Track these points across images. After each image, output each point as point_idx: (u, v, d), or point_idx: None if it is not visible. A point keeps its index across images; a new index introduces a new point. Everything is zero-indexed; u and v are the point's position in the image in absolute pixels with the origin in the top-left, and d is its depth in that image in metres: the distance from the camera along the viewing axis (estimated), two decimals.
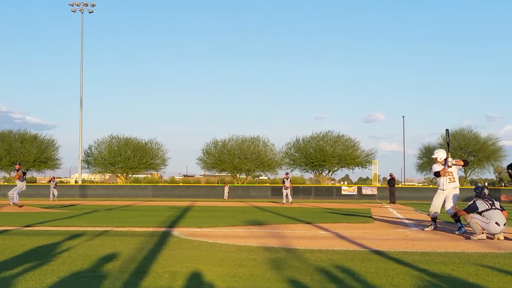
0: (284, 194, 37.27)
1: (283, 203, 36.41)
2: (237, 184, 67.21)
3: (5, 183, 73.94)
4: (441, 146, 73.71)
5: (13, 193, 25.80)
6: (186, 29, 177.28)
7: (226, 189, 54.12)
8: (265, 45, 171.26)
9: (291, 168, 76.01)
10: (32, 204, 30.31)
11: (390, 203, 38.63)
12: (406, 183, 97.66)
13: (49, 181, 48.97)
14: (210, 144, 75.54)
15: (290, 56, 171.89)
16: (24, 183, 26.65)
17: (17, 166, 27.59)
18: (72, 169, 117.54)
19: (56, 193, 46.44)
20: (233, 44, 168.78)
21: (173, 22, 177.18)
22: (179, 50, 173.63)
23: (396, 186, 41.90)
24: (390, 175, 41.84)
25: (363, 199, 52.55)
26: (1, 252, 9.18)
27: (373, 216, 21.30)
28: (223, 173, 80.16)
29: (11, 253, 9.12)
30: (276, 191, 57.30)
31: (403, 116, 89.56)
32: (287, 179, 37.97)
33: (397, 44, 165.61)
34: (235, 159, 72.28)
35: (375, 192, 54.97)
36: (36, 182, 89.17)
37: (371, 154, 73.72)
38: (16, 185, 26.46)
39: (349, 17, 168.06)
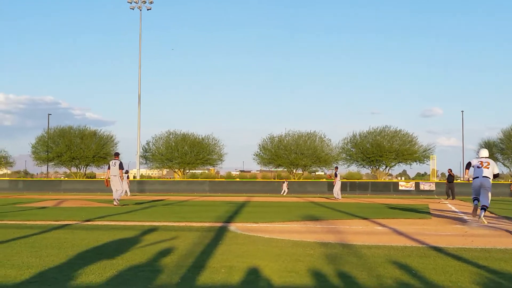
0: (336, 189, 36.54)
1: (338, 198, 36.01)
2: (293, 180, 67.15)
3: (66, 179, 75.42)
4: (500, 142, 72.44)
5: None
6: (243, 24, 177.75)
7: (285, 186, 53.88)
8: (320, 41, 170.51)
9: (348, 164, 75.68)
10: (89, 199, 30.81)
11: (447, 198, 38.12)
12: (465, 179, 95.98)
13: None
14: (266, 140, 75.70)
15: (346, 52, 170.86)
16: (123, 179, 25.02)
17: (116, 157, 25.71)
18: (130, 165, 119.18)
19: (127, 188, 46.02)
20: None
21: (230, 17, 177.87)
22: (236, 46, 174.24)
23: (454, 182, 41.20)
24: (448, 171, 41.26)
25: (421, 194, 51.87)
26: (61, 246, 9.36)
27: (431, 212, 21.04)
28: (280, 169, 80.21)
29: (71, 247, 9.29)
30: (333, 187, 57.14)
31: (462, 111, 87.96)
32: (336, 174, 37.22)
33: (455, 38, 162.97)
34: (291, 155, 72.25)
35: (433, 187, 54.19)
36: (95, 178, 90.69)
37: (429, 149, 72.83)
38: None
39: (404, 14, 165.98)
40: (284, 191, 53.06)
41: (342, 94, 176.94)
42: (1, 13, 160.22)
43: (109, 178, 24.58)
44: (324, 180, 74.02)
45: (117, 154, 25.81)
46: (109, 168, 24.84)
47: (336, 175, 36.62)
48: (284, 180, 59.27)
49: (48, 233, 11.69)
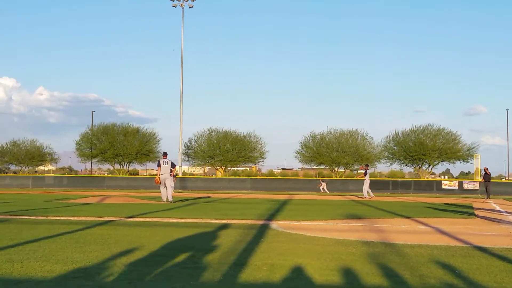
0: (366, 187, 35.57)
1: (366, 197, 35.20)
2: (335, 178, 66.89)
3: (109, 175, 76.25)
4: None
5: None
6: (283, 23, 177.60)
7: (324, 185, 53.73)
8: (363, 40, 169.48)
9: (390, 162, 75.12)
10: (133, 196, 31.12)
11: (487, 198, 37.52)
12: (510, 178, 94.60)
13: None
14: (308, 138, 75.51)
15: (389, 50, 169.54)
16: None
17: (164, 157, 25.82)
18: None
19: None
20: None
21: (270, 15, 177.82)
22: (277, 44, 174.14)
23: (491, 180, 40.53)
24: (484, 169, 40.69)
25: (464, 193, 51.24)
26: (105, 242, 9.47)
27: (475, 212, 20.79)
28: (321, 167, 79.91)
29: (115, 243, 9.39)
30: (375, 185, 56.75)
31: (507, 109, 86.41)
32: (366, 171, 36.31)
33: (498, 37, 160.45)
34: (333, 153, 71.94)
35: (477, 186, 53.46)
36: (138, 174, 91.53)
37: (473, 148, 71.83)
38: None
39: (448, 12, 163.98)
40: (323, 189, 52.88)
41: (385, 92, 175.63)
42: (46, 10, 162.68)
43: (159, 176, 24.88)
44: None
45: (165, 154, 26.02)
46: (159, 166, 25.01)
47: (366, 174, 35.94)
48: (320, 179, 58.94)
49: (92, 229, 11.83)
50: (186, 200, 28.02)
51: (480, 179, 51.30)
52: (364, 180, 35.63)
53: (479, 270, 7.05)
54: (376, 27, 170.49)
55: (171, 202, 24.29)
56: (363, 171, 37.09)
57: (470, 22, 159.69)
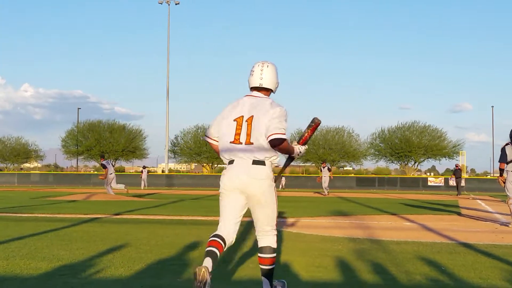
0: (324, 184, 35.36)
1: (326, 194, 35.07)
2: (321, 175, 67.00)
3: (95, 172, 76.04)
4: None
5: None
6: (269, 21, 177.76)
7: (283, 180, 53.99)
8: (348, 37, 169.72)
9: (376, 159, 75.42)
10: (118, 193, 31.09)
11: (458, 195, 37.57)
12: (495, 175, 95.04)
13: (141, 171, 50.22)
14: (294, 134, 75.47)
15: (374, 47, 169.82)
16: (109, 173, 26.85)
17: (101, 159, 28.41)
18: (159, 159, 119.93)
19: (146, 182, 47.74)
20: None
21: (257, 13, 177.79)
22: (263, 41, 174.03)
23: (462, 177, 40.73)
24: (456, 166, 40.85)
25: (450, 190, 51.45)
26: (91, 239, 9.45)
27: (461, 208, 20.90)
28: (308, 164, 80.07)
29: (101, 240, 9.37)
30: (361, 182, 56.86)
31: (492, 106, 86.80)
32: (324, 168, 36.09)
33: (484, 33, 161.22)
34: (319, 150, 72.13)
35: (462, 183, 53.72)
36: (124, 172, 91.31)
37: (458, 145, 72.31)
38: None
39: (433, 10, 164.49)
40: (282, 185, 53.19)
41: (371, 89, 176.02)
42: (31, 7, 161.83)
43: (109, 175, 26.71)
44: (353, 175, 73.80)
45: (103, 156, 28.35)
46: (106, 167, 26.87)
47: (329, 170, 36.04)
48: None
49: (78, 226, 11.81)
50: (140, 196, 27.97)
51: (466, 175, 51.57)
52: (325, 176, 35.51)
53: (464, 267, 7.08)
54: (362, 25, 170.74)
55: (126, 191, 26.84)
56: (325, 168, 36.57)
57: (455, 20, 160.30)
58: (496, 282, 6.17)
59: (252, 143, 4.99)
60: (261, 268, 5.33)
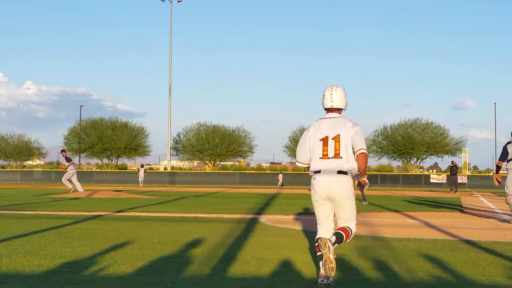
0: None
1: None
2: None
3: (98, 170, 76.11)
4: None
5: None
6: (271, 20, 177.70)
7: (280, 177, 54.14)
8: (349, 36, 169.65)
9: (378, 156, 75.38)
10: (123, 190, 31.12)
11: (450, 191, 37.47)
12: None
13: (139, 169, 50.57)
14: (297, 132, 75.58)
15: (377, 44, 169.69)
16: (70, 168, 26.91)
17: (63, 154, 28.50)
18: (161, 156, 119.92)
19: (142, 179, 48.05)
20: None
21: (258, 13, 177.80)
22: (265, 40, 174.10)
23: (464, 174, 40.61)
24: (452, 163, 40.80)
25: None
26: (93, 237, 9.46)
27: (463, 205, 20.88)
28: None
29: (104, 237, 9.39)
30: None
31: (495, 103, 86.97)
32: None
33: (487, 32, 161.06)
34: None
35: (465, 180, 53.68)
36: (127, 169, 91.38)
37: (460, 141, 72.20)
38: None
39: (436, 8, 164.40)
40: (280, 182, 53.30)
41: (374, 86, 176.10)
42: (33, 5, 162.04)
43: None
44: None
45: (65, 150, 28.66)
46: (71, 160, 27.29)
47: None
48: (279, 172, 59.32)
49: (80, 224, 11.82)
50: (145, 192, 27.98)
51: (469, 172, 51.51)
52: None
53: (467, 264, 7.08)
54: (365, 23, 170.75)
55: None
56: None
57: (459, 19, 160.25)
58: (499, 279, 6.17)
59: (338, 157, 6.03)
60: (337, 232, 6.16)
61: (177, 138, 76.82)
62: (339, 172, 6.07)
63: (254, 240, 9.22)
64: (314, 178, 6.21)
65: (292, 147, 74.67)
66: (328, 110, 6.31)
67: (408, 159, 73.59)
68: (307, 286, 5.77)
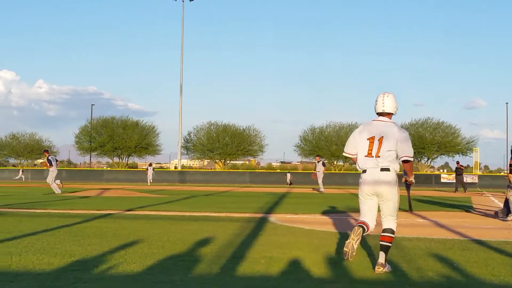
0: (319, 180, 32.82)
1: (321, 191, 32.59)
2: (334, 171, 66.91)
3: (108, 168, 76.27)
4: None
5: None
6: (283, 20, 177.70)
7: (289, 176, 54.27)
8: (361, 36, 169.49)
9: None
10: (132, 189, 31.21)
11: (455, 191, 37.27)
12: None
13: (147, 168, 51.02)
14: (307, 131, 75.65)
15: (389, 44, 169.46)
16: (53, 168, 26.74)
17: (46, 154, 28.32)
18: (172, 155, 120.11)
19: (151, 178, 48.61)
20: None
21: (271, 11, 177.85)
22: (277, 40, 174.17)
23: (463, 174, 40.34)
24: (457, 163, 40.63)
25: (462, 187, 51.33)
26: (103, 235, 9.49)
27: (474, 205, 20.81)
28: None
29: (113, 236, 9.42)
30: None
31: (507, 103, 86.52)
32: (318, 162, 33.87)
33: (497, 31, 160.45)
34: (332, 146, 71.99)
35: (475, 180, 53.44)
36: (137, 168, 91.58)
37: (472, 141, 71.91)
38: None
39: (447, 8, 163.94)
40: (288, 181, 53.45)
41: (385, 85, 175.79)
42: (45, 3, 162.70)
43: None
44: None
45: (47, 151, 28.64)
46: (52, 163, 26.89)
47: (318, 164, 33.45)
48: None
49: (90, 222, 11.86)
50: (72, 191, 28.01)
51: (479, 172, 51.31)
52: (319, 172, 33.05)
53: (476, 263, 7.06)
54: (376, 22, 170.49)
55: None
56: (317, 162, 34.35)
57: (470, 18, 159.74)
58: (509, 279, 6.16)
59: (380, 156, 6.64)
60: (381, 244, 6.66)
61: (188, 137, 76.97)
62: (382, 169, 6.68)
63: (264, 239, 9.23)
64: (361, 176, 6.89)
65: (302, 146, 74.69)
66: (380, 114, 6.94)
67: (419, 159, 73.38)
68: (317, 285, 5.77)
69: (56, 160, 27.87)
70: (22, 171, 57.43)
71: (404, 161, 6.82)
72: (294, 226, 11.65)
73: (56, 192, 25.45)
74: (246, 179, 57.13)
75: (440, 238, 9.83)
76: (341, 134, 72.70)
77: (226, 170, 68.41)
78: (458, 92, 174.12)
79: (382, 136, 6.70)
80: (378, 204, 6.89)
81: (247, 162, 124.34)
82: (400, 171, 6.96)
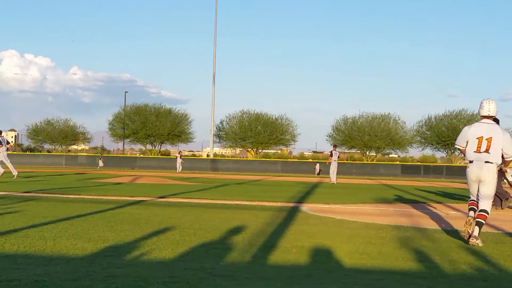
0: (331, 171, 31.58)
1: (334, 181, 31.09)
2: (366, 162, 66.67)
3: (141, 155, 76.82)
4: None
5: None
6: (318, 8, 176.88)
7: (318, 167, 54.16)
8: (396, 26, 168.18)
9: (422, 147, 74.70)
10: (164, 176, 31.39)
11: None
12: None
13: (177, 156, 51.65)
14: (340, 121, 75.37)
15: (423, 35, 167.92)
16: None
17: None
18: (204, 143, 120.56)
19: (181, 166, 49.15)
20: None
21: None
22: (311, 28, 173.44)
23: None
24: None
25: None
26: (136, 222, 9.56)
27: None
28: (353, 150, 79.70)
29: (146, 222, 9.48)
30: (407, 170, 56.29)
31: None
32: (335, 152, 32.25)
33: None
34: (365, 136, 71.70)
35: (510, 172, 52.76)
36: (170, 155, 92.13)
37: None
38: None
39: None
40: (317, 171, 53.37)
41: (418, 76, 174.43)
42: None
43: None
44: (398, 162, 73.20)
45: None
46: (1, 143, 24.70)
47: (331, 155, 31.92)
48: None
49: (123, 209, 11.95)
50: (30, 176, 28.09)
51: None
52: (331, 162, 31.75)
53: (510, 257, 6.99)
54: (411, 12, 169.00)
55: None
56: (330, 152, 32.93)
57: (505, 7, 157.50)
58: None
59: (487, 152, 8.28)
60: (476, 220, 8.12)
61: (220, 125, 77.21)
62: (486, 162, 8.31)
63: (295, 229, 9.23)
64: (468, 166, 8.53)
65: (335, 136, 74.42)
66: (484, 117, 8.55)
67: (452, 151, 72.63)
68: (348, 275, 5.75)
69: (7, 142, 25.60)
70: (102, 159, 57.27)
71: (508, 159, 8.47)
72: (325, 216, 11.62)
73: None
74: (278, 168, 57.19)
75: None
76: (374, 124, 72.34)
77: (258, 159, 68.45)
78: (494, 83, 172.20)
79: (491, 137, 8.29)
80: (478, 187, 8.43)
81: (279, 151, 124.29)
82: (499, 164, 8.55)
